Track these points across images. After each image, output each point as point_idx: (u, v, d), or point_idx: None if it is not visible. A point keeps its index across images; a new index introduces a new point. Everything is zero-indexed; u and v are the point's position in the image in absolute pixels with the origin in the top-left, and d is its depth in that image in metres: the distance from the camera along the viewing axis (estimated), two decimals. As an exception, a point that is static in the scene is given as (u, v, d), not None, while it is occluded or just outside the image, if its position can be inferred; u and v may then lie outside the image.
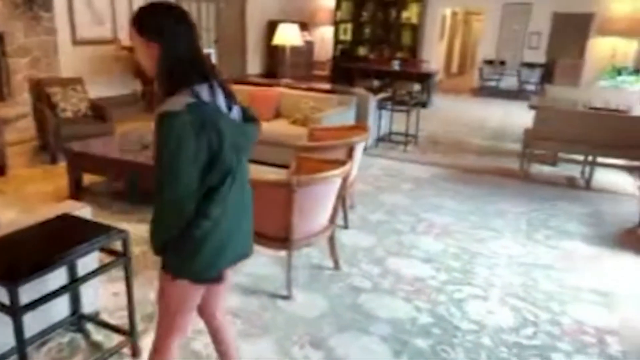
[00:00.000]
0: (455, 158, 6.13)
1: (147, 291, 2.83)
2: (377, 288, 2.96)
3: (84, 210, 2.37)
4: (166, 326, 1.64)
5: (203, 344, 2.37)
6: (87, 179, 4.29)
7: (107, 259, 2.23)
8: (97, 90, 7.21)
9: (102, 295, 2.67)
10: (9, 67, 6.46)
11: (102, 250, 2.16)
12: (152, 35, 1.47)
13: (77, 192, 4.15)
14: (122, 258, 2.14)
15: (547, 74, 11.07)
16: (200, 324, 1.94)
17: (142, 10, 1.51)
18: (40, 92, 5.35)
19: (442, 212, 4.23)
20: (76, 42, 7.56)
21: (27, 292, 1.79)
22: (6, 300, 1.71)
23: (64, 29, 7.25)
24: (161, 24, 1.47)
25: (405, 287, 2.99)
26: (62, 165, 4.49)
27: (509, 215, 4.25)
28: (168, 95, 1.45)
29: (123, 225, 3.71)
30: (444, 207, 4.35)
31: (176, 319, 1.64)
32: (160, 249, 1.54)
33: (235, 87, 6.00)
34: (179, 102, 1.42)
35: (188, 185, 1.44)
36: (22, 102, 6.28)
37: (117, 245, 2.18)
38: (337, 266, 3.13)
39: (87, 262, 2.23)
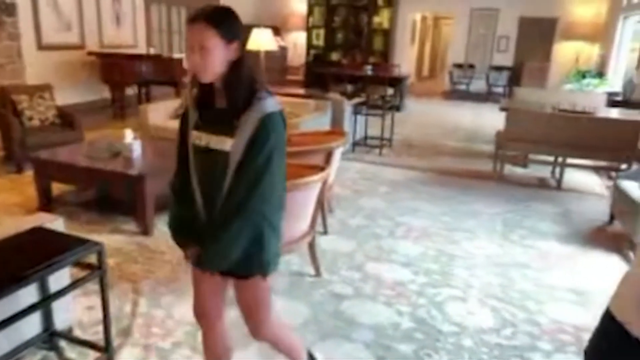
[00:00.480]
0: (430, 161, 6.20)
1: (123, 304, 2.74)
2: (359, 294, 2.95)
3: (56, 223, 2.28)
4: (265, 312, 1.78)
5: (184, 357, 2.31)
6: (57, 188, 4.15)
7: (81, 272, 2.15)
8: (64, 97, 7.01)
9: (75, 310, 2.57)
10: (-30, 74, 6.22)
11: (77, 264, 2.08)
12: (232, 36, 1.47)
13: (47, 202, 4.00)
14: (97, 271, 2.06)
15: (515, 76, 11.35)
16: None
17: (220, 10, 1.50)
18: (4, 100, 5.15)
19: (419, 215, 4.26)
20: (42, 47, 7.34)
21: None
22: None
23: (28, 34, 7.03)
24: (239, 26, 1.50)
25: (386, 292, 2.98)
26: (29, 174, 4.33)
27: (484, 216, 4.32)
28: (245, 98, 1.48)
29: (94, 236, 3.59)
30: (421, 210, 4.38)
31: (269, 302, 1.79)
32: (241, 258, 1.58)
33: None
34: (273, 103, 1.50)
35: (285, 182, 1.60)
36: (-15, 110, 6.04)
37: (91, 258, 2.11)
38: (318, 273, 3.10)
39: (60, 276, 2.15)
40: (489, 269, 3.33)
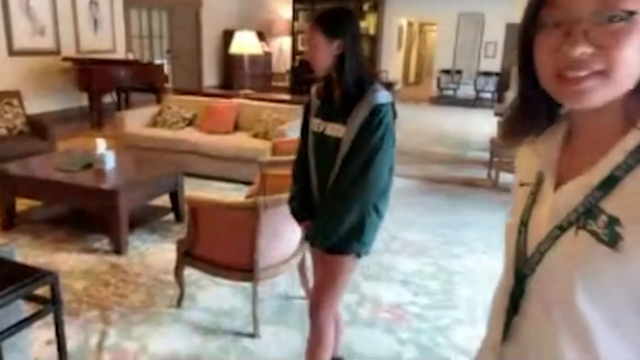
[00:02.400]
0: (421, 169, 5.96)
1: (88, 336, 2.43)
2: (356, 319, 2.67)
3: (5, 249, 1.97)
4: (335, 297, 1.84)
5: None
6: (23, 203, 3.80)
7: (35, 304, 1.85)
8: (38, 104, 6.66)
9: (32, 346, 2.24)
10: None
11: (27, 298, 1.77)
12: (334, 34, 1.62)
13: (9, 219, 3.66)
14: (49, 306, 1.75)
15: (503, 82, 11.24)
16: None
17: (327, 13, 1.68)
18: (-32, 108, 4.79)
19: (415, 228, 4.01)
20: (13, 52, 6.97)
21: None
22: None
23: (-2, 39, 6.66)
24: (343, 26, 1.65)
25: (385, 316, 2.71)
26: (-7, 188, 3.97)
27: (481, 227, 4.08)
28: (355, 89, 1.62)
29: (62, 255, 3.29)
30: (416, 223, 4.13)
31: (342, 291, 1.87)
32: (342, 237, 1.69)
33: (191, 99, 5.67)
34: (385, 95, 1.61)
35: (392, 170, 1.70)
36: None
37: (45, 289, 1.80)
38: (308, 295, 2.82)
39: (10, 311, 1.83)
40: (492, 285, 3.07)
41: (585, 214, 0.62)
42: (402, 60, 14.50)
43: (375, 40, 11.56)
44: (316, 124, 1.76)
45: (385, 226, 3.89)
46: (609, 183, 0.60)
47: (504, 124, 0.78)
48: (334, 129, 1.68)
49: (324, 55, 1.65)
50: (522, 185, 0.77)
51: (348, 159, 1.63)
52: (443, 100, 11.82)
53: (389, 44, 11.95)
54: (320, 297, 1.84)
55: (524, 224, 0.72)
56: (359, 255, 1.76)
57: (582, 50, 0.59)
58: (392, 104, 1.64)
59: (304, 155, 1.84)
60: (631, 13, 0.56)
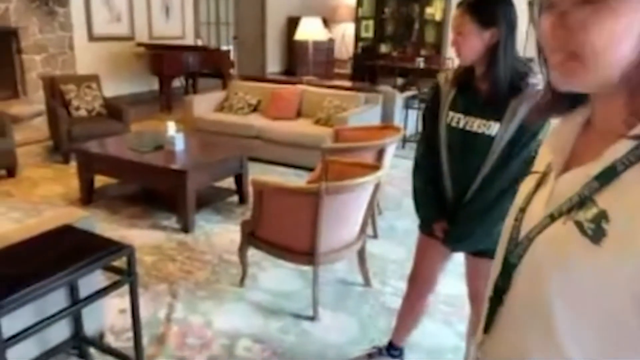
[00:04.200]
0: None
1: (158, 307, 2.57)
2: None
3: (87, 221, 2.11)
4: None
5: None
6: (100, 180, 4.06)
7: (112, 275, 1.97)
8: (113, 88, 7.03)
9: (108, 313, 2.41)
10: (24, 64, 6.31)
11: (106, 268, 1.90)
12: (488, 22, 1.47)
13: (88, 195, 3.92)
14: (126, 278, 1.87)
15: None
16: None
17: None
18: (54, 90, 5.15)
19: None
20: (92, 38, 7.38)
21: (20, 317, 1.55)
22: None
23: (80, 25, 7.07)
24: (500, 12, 1.48)
25: (443, 308, 2.67)
26: (74, 165, 4.27)
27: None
28: (509, 82, 1.48)
29: (134, 231, 3.49)
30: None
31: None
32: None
33: (256, 85, 5.78)
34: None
35: None
36: (38, 100, 6.11)
37: (123, 260, 1.92)
38: (367, 282, 2.83)
39: (89, 280, 1.97)
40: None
41: (579, 205, 0.59)
42: (468, 48, 14.01)
43: (441, 26, 11.21)
44: (454, 118, 1.61)
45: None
46: (607, 176, 0.57)
47: (535, 105, 0.77)
48: (483, 125, 1.54)
49: (474, 44, 1.50)
50: (532, 173, 0.76)
51: (505, 159, 1.51)
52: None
53: (456, 30, 11.57)
54: (476, 293, 1.81)
55: (522, 210, 0.71)
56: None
57: (556, 32, 0.59)
58: None
59: (432, 149, 1.70)
60: None
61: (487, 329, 0.72)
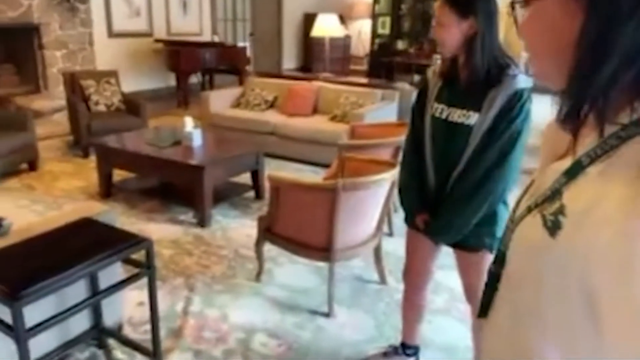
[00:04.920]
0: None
1: (175, 300, 2.60)
2: (430, 308, 2.61)
3: (107, 215, 2.14)
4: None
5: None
6: (119, 174, 4.12)
7: (130, 267, 2.00)
8: (131, 83, 7.10)
9: (126, 306, 2.44)
10: (45, 59, 6.42)
11: (125, 261, 1.92)
12: (466, 12, 1.49)
13: (107, 188, 3.97)
14: (145, 270, 1.89)
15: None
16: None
17: None
18: (74, 85, 5.23)
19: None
20: (112, 34, 7.47)
21: (42, 308, 1.58)
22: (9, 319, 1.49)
23: (100, 21, 7.17)
24: (477, 3, 1.50)
25: (460, 306, 2.64)
26: (94, 159, 4.34)
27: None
28: (489, 73, 1.49)
29: (151, 225, 3.53)
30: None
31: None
32: (473, 232, 1.62)
33: (273, 81, 5.80)
34: (524, 79, 1.48)
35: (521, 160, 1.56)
36: (58, 95, 6.22)
37: (141, 254, 1.94)
38: (383, 280, 2.82)
39: (109, 272, 2.00)
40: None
41: (550, 198, 0.59)
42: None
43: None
44: (438, 109, 1.63)
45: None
46: (574, 170, 0.57)
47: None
48: (463, 116, 1.56)
49: (454, 35, 1.51)
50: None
51: (482, 148, 1.52)
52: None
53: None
54: (471, 292, 1.80)
55: (518, 201, 0.72)
56: (491, 250, 1.64)
57: (516, 29, 0.63)
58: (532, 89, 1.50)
59: (417, 141, 1.71)
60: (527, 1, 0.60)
61: (483, 314, 0.74)
